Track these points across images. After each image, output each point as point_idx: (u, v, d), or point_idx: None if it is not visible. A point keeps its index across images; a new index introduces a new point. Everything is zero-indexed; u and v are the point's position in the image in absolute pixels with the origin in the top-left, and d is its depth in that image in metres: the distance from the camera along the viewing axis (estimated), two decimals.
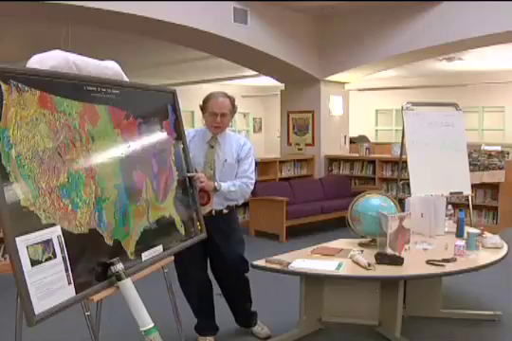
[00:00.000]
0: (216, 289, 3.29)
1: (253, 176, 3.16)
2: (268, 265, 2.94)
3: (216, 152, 3.08)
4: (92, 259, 2.00)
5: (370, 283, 3.21)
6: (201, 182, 2.89)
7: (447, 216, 3.84)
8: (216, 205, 3.06)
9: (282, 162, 7.43)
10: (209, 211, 3.03)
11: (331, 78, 7.52)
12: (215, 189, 2.99)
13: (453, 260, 3.01)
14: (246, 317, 3.36)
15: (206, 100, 3.09)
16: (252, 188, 3.16)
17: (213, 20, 5.72)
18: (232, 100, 3.10)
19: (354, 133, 9.69)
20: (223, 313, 3.34)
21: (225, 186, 3.02)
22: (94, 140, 2.10)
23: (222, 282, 3.26)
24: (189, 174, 2.83)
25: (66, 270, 1.83)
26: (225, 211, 3.11)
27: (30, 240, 1.71)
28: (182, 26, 5.40)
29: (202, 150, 3.08)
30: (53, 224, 1.81)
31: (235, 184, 3.06)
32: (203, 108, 3.10)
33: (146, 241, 2.35)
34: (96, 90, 2.17)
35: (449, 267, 2.92)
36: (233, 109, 3.11)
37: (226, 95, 3.10)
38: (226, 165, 3.08)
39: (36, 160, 1.78)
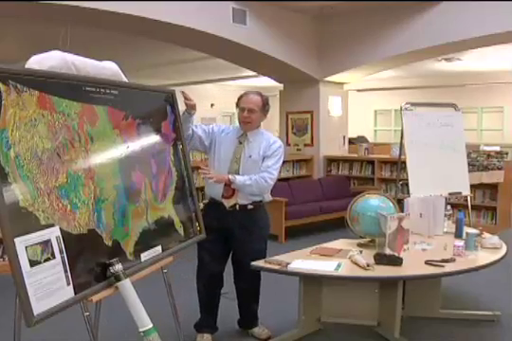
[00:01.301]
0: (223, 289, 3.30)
1: (275, 172, 3.17)
2: (267, 266, 2.94)
3: (244, 148, 3.14)
4: (91, 259, 2.00)
5: (369, 284, 3.21)
6: (210, 177, 2.98)
7: (445, 216, 3.84)
8: (241, 199, 3.11)
9: None
10: (232, 205, 3.11)
11: (330, 78, 7.52)
12: (229, 182, 3.05)
13: (452, 260, 3.01)
14: (251, 318, 3.37)
15: (239, 97, 3.18)
16: (272, 183, 3.15)
17: (212, 20, 5.71)
18: (264, 99, 3.15)
19: (353, 133, 9.71)
20: (224, 314, 3.34)
21: (240, 179, 3.05)
22: (93, 141, 2.10)
23: (239, 277, 3.27)
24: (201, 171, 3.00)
25: (65, 271, 1.83)
26: (250, 207, 3.14)
27: (29, 240, 1.71)
28: (179, 27, 5.39)
29: (232, 145, 3.17)
30: (52, 225, 1.81)
31: (251, 178, 3.08)
32: (237, 104, 3.19)
33: (145, 241, 2.35)
34: (95, 90, 2.18)
35: (448, 267, 2.92)
36: (264, 107, 3.16)
37: (258, 93, 3.17)
38: (249, 161, 3.12)
39: (35, 161, 1.79)
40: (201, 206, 3.19)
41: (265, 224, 3.27)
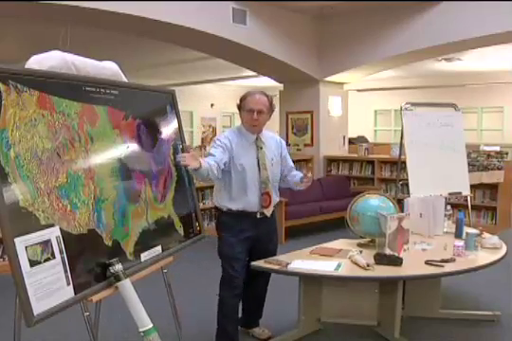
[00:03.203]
0: (217, 290, 3.28)
1: None
2: (267, 266, 2.94)
3: (265, 153, 3.05)
4: (91, 259, 2.00)
5: (369, 284, 3.21)
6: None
7: (445, 216, 3.84)
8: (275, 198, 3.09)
9: None
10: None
11: (330, 78, 7.52)
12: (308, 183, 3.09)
13: (452, 260, 3.01)
14: (256, 317, 3.35)
15: (243, 98, 3.02)
16: None
17: (212, 20, 5.71)
18: (270, 99, 3.03)
19: (353, 133, 9.70)
20: None
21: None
22: (93, 141, 2.10)
23: (256, 280, 3.22)
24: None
25: (65, 271, 1.83)
26: (273, 209, 3.12)
27: (29, 240, 1.71)
28: (179, 27, 5.39)
29: (250, 152, 3.01)
30: (52, 225, 1.81)
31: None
32: (240, 106, 3.02)
33: (145, 241, 2.35)
34: (95, 90, 2.18)
35: (448, 267, 2.92)
36: (271, 107, 3.03)
37: (263, 93, 3.02)
38: (274, 163, 3.08)
39: (35, 161, 1.79)
40: (201, 205, 3.19)
41: (276, 224, 3.31)
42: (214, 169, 2.77)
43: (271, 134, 3.26)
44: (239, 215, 2.99)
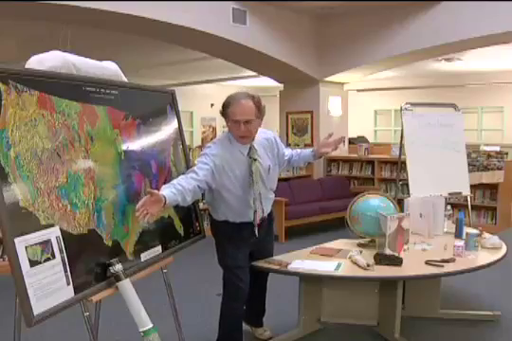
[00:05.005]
0: (217, 290, 3.28)
1: None
2: (268, 266, 2.94)
3: (259, 164, 2.72)
4: (91, 259, 2.01)
5: (369, 284, 3.21)
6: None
7: (445, 216, 3.84)
8: (267, 208, 2.93)
9: None
10: (262, 217, 2.89)
11: (330, 78, 7.52)
12: None
13: (452, 260, 3.01)
14: (262, 314, 3.30)
15: (226, 105, 2.63)
16: None
17: (212, 20, 5.71)
18: (257, 101, 2.64)
19: (353, 133, 9.70)
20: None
21: None
22: (93, 141, 2.10)
23: (259, 280, 3.15)
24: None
25: (65, 270, 1.83)
26: (271, 209, 3.01)
27: (29, 240, 1.71)
28: (179, 27, 5.39)
29: (243, 165, 2.69)
30: (52, 225, 1.81)
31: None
32: (223, 114, 2.65)
33: (145, 241, 2.35)
34: (95, 91, 2.18)
35: (448, 267, 2.92)
36: (260, 112, 2.65)
37: (248, 95, 2.64)
38: (271, 170, 2.83)
39: (35, 161, 1.79)
40: (201, 205, 3.18)
41: (273, 223, 3.18)
42: (188, 194, 2.43)
43: (263, 135, 2.85)
44: (238, 224, 2.81)
